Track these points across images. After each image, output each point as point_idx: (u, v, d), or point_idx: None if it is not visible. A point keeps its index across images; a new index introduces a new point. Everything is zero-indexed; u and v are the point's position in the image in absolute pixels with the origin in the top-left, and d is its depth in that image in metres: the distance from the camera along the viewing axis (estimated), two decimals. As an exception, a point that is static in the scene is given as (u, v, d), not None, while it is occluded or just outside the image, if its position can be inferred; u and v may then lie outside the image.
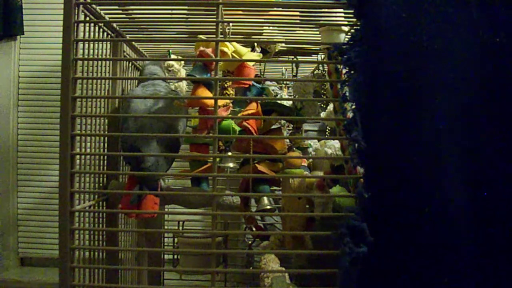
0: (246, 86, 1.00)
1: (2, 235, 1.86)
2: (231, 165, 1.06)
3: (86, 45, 0.82)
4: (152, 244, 1.27)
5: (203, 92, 0.87)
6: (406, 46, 0.63)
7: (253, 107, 0.96)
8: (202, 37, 0.98)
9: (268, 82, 1.37)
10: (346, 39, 0.76)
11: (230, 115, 0.93)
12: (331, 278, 0.66)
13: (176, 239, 1.36)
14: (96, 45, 0.87)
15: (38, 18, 1.89)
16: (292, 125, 1.32)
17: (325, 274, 0.68)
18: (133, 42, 1.14)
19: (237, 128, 0.98)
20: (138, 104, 0.88)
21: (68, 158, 0.71)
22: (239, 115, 0.95)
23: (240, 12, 0.97)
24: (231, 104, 0.93)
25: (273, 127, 1.14)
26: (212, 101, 0.77)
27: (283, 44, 1.19)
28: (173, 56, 1.16)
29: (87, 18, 0.79)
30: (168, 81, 1.02)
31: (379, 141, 0.63)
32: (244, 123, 0.96)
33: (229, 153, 1.08)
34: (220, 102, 0.90)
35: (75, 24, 0.72)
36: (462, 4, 0.63)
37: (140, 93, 0.91)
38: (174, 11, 0.94)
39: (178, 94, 0.95)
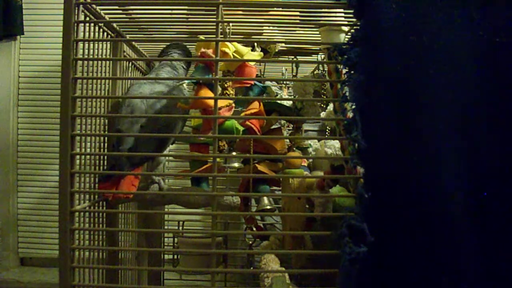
0: (248, 85, 1.00)
1: (2, 235, 1.86)
2: (236, 165, 1.06)
3: (86, 45, 0.82)
4: (152, 244, 1.27)
5: (206, 93, 0.86)
6: (406, 46, 0.63)
7: (255, 106, 0.96)
8: (202, 37, 0.98)
9: (268, 82, 1.37)
10: (346, 39, 0.76)
11: (231, 115, 0.93)
12: (331, 278, 0.66)
13: (176, 239, 1.36)
14: (96, 45, 0.87)
15: (38, 18, 1.89)
16: (292, 125, 1.32)
17: (325, 274, 0.68)
18: (133, 42, 1.14)
19: (241, 128, 0.98)
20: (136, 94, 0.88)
21: (68, 158, 0.71)
22: (241, 114, 0.95)
23: (240, 12, 0.97)
24: (233, 104, 0.93)
25: (273, 127, 1.15)
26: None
27: (283, 44, 1.19)
28: (173, 56, 1.16)
29: (87, 18, 0.79)
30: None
31: (379, 141, 0.63)
32: (247, 123, 0.96)
33: (234, 153, 1.08)
34: (223, 103, 0.90)
35: (75, 24, 0.72)
36: (462, 4, 0.63)
37: (137, 85, 0.90)
38: (174, 11, 0.94)
39: (180, 91, 0.94)
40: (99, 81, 0.91)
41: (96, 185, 0.87)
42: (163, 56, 1.02)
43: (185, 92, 0.97)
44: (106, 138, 0.96)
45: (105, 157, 0.96)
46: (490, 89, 0.63)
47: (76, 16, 0.73)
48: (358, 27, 0.66)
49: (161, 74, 0.96)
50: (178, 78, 0.99)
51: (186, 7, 0.94)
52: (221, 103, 0.85)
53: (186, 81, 0.95)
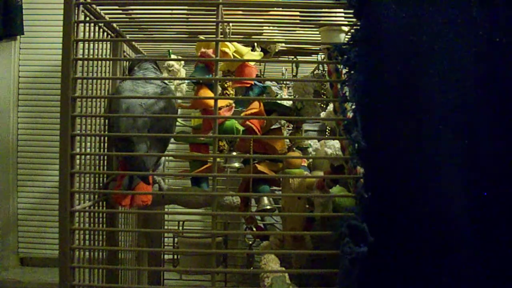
0: (248, 85, 1.00)
1: (2, 235, 1.86)
2: (236, 165, 1.06)
3: (86, 45, 0.82)
4: (152, 244, 1.27)
5: (206, 93, 0.86)
6: (406, 46, 0.63)
7: (255, 106, 0.96)
8: (202, 37, 0.98)
9: (268, 82, 1.37)
10: (346, 39, 0.76)
11: (231, 115, 0.93)
12: (331, 278, 0.66)
13: (176, 239, 1.36)
14: (96, 45, 0.87)
15: (38, 18, 1.89)
16: (292, 125, 1.32)
17: (325, 274, 0.68)
18: (133, 42, 1.14)
19: (241, 128, 0.98)
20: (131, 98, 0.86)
21: (68, 158, 0.71)
22: (241, 114, 0.95)
23: (240, 12, 0.97)
24: (233, 104, 0.93)
25: (273, 127, 1.14)
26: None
27: (283, 44, 1.19)
28: (173, 56, 1.17)
29: (87, 18, 0.79)
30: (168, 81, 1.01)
31: (379, 141, 0.63)
32: (248, 123, 0.96)
33: (234, 153, 1.08)
34: (223, 103, 0.90)
35: (75, 24, 0.72)
36: (462, 4, 0.63)
37: (130, 87, 0.87)
38: (174, 11, 0.94)
39: (171, 92, 0.94)
40: (99, 81, 0.91)
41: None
42: (135, 71, 0.97)
43: (176, 93, 0.96)
44: (106, 138, 0.96)
45: (104, 164, 0.96)
46: (490, 89, 0.63)
47: (76, 16, 0.73)
48: (358, 27, 0.66)
49: (148, 74, 0.93)
50: (178, 78, 1.00)
51: (186, 7, 0.94)
52: (221, 103, 0.85)
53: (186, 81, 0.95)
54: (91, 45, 0.84)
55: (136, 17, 0.99)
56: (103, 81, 0.93)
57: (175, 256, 1.33)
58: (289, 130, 1.38)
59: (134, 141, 0.83)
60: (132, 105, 0.84)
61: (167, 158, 1.52)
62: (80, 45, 0.74)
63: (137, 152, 0.82)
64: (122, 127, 0.84)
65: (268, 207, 1.10)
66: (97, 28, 0.87)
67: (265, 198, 1.12)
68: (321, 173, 1.11)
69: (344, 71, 0.75)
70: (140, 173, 0.86)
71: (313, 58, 1.29)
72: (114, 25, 0.96)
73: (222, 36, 0.87)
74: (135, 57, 1.01)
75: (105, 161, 0.98)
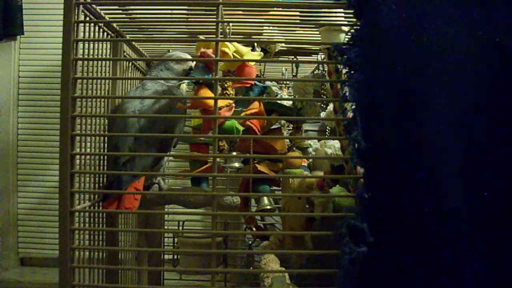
0: (248, 85, 1.00)
1: (2, 235, 1.86)
2: (236, 165, 1.06)
3: (86, 45, 0.82)
4: (152, 244, 1.27)
5: (206, 93, 0.87)
6: (406, 46, 0.63)
7: (255, 106, 0.96)
8: (202, 37, 0.98)
9: (268, 82, 1.37)
10: (346, 39, 0.76)
11: (231, 115, 0.93)
12: (331, 278, 0.66)
13: (176, 239, 1.36)
14: (96, 45, 0.87)
15: (38, 18, 1.89)
16: (292, 125, 1.32)
17: (325, 274, 0.68)
18: (133, 42, 1.14)
19: (241, 128, 0.98)
20: (128, 106, 0.91)
21: (68, 158, 0.71)
22: (241, 114, 0.95)
23: (240, 12, 0.97)
24: (233, 104, 0.93)
25: (273, 127, 1.15)
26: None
27: (283, 44, 1.19)
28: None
29: (87, 18, 0.79)
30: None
31: (379, 141, 0.63)
32: (248, 123, 0.96)
33: (234, 153, 1.08)
34: (223, 103, 0.90)
35: (75, 24, 0.72)
36: (462, 4, 0.63)
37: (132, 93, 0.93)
38: (174, 11, 0.94)
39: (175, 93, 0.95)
40: (99, 81, 0.91)
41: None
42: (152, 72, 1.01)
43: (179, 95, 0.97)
44: (106, 138, 0.96)
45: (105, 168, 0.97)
46: (490, 88, 0.63)
47: (76, 16, 0.73)
48: (358, 27, 0.66)
49: (147, 86, 0.96)
50: (178, 78, 0.99)
51: (186, 7, 0.94)
52: (221, 103, 0.85)
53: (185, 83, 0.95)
54: (91, 45, 0.84)
55: (136, 17, 0.99)
56: (103, 81, 0.93)
57: (175, 256, 1.33)
58: (289, 130, 1.38)
59: (119, 146, 0.87)
60: (127, 114, 0.89)
61: (167, 158, 1.52)
62: (80, 45, 0.74)
63: (120, 160, 0.86)
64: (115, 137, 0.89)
65: (268, 207, 1.11)
66: (97, 28, 0.87)
67: (265, 198, 1.12)
68: (321, 173, 1.11)
69: (344, 71, 0.75)
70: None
71: (313, 58, 1.29)
72: (114, 25, 0.96)
73: (222, 36, 0.87)
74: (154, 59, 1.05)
75: (105, 161, 0.98)
